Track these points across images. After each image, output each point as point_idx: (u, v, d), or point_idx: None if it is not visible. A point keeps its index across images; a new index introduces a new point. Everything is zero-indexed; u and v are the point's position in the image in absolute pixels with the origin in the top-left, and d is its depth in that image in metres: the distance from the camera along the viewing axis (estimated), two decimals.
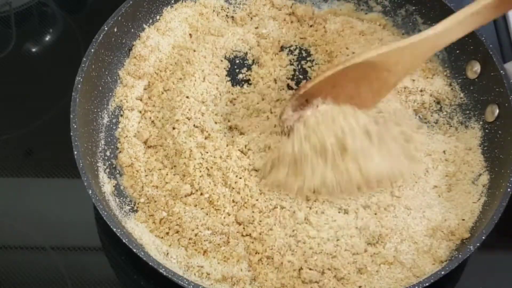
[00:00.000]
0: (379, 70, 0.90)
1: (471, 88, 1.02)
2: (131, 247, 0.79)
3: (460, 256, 0.81)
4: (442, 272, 0.80)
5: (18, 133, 1.03)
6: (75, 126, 0.88)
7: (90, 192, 0.83)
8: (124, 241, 0.80)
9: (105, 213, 0.82)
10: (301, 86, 0.93)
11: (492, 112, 0.96)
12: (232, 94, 1.03)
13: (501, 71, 0.95)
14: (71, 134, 0.87)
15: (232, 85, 1.04)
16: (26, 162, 1.00)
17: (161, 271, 0.78)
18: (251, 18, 1.13)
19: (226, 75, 1.05)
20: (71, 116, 0.88)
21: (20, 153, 1.01)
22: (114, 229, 0.81)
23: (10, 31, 1.16)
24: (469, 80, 1.02)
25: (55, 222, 0.96)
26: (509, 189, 0.86)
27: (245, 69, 1.07)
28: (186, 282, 0.78)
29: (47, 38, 1.16)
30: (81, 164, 0.85)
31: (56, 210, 0.97)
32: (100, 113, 0.98)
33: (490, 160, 0.95)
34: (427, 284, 0.79)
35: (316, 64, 1.08)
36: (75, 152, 0.86)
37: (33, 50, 1.15)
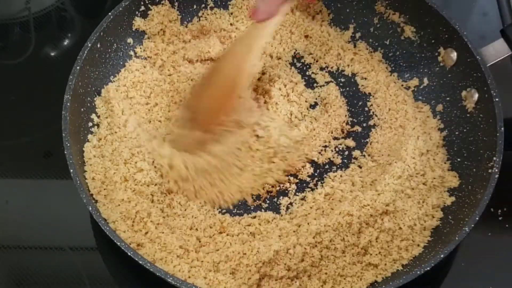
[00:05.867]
0: None
1: (449, 75, 1.05)
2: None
3: (457, 238, 0.84)
4: (442, 255, 0.82)
5: (37, 135, 1.06)
6: (68, 145, 0.88)
7: (90, 208, 0.84)
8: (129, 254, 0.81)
9: (108, 228, 0.83)
10: None
11: (472, 96, 1.00)
12: None
13: (477, 57, 0.98)
14: (65, 152, 0.87)
15: None
16: (45, 164, 1.02)
17: (169, 280, 0.79)
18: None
19: None
20: (63, 134, 0.88)
21: (39, 155, 1.03)
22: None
23: (30, 35, 1.18)
24: (446, 67, 1.05)
25: (73, 223, 0.97)
26: (490, 170, 0.90)
27: None
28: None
29: (66, 42, 1.19)
30: (78, 182, 0.85)
31: (74, 211, 0.97)
32: (90, 130, 0.97)
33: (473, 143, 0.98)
34: (428, 269, 0.82)
35: None
36: (71, 170, 0.86)
37: (52, 54, 1.17)
